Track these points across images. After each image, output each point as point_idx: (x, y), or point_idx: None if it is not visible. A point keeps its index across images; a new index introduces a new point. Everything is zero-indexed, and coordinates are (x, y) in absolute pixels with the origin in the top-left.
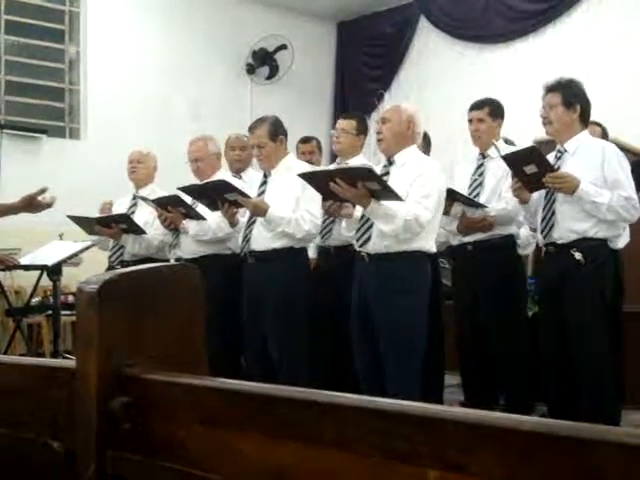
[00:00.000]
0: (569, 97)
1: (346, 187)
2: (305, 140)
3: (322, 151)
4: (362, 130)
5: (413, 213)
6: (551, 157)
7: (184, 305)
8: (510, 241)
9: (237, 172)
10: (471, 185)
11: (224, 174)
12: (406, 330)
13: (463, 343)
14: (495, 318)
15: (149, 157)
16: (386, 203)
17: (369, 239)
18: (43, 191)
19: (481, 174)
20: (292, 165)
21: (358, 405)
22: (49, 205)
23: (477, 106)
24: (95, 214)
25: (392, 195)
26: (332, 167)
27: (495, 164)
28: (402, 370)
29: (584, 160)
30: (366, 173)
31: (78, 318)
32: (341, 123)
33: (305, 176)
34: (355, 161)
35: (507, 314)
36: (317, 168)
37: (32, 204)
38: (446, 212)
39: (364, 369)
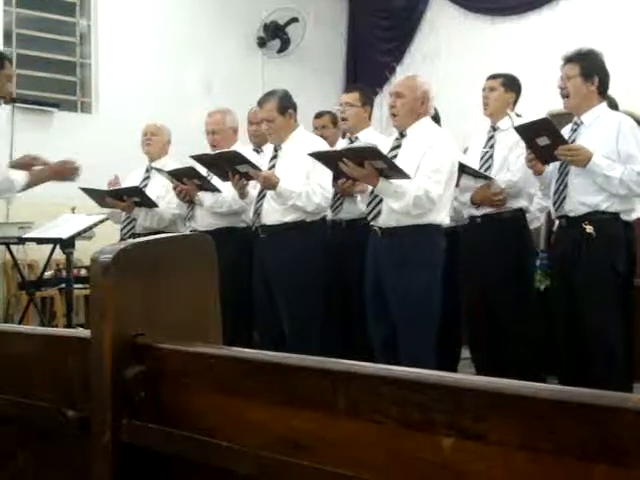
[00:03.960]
0: (587, 68)
1: (353, 167)
2: (318, 115)
3: (337, 125)
4: (366, 101)
5: (423, 188)
6: (567, 129)
7: (198, 275)
8: (519, 215)
9: (258, 146)
10: (482, 157)
11: (239, 148)
12: (419, 303)
13: (472, 317)
14: (503, 292)
15: (163, 130)
16: (395, 180)
17: (379, 213)
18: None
19: (492, 146)
20: (302, 138)
21: (373, 373)
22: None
23: (492, 76)
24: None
25: (399, 173)
26: (340, 146)
27: (505, 136)
28: (415, 343)
29: (599, 133)
30: (372, 152)
31: (92, 288)
32: (344, 97)
33: (316, 155)
34: (364, 134)
35: (515, 288)
36: (325, 145)
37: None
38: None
39: (379, 342)
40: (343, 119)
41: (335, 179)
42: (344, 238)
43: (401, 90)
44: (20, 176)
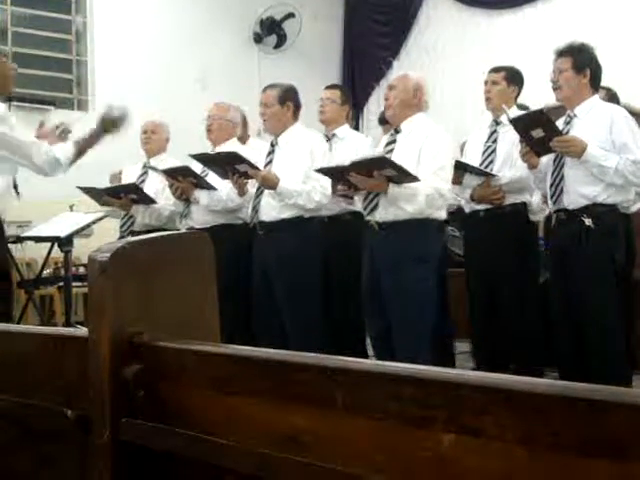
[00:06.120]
0: (579, 62)
1: (363, 179)
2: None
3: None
4: (346, 100)
5: (433, 187)
6: (561, 122)
7: (196, 272)
8: (522, 208)
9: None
10: (484, 152)
11: (235, 144)
12: (416, 298)
13: (475, 310)
14: (507, 285)
15: (162, 127)
16: (405, 184)
17: (376, 206)
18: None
19: (494, 141)
20: (299, 133)
21: (371, 370)
22: None
23: (494, 69)
24: (104, 185)
25: (409, 177)
26: (320, 141)
27: (508, 131)
28: (411, 339)
29: (593, 124)
30: (380, 162)
31: (90, 287)
32: (326, 92)
33: (322, 171)
34: (341, 131)
35: (519, 281)
36: (322, 140)
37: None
38: (458, 182)
39: (375, 337)
40: (322, 112)
41: (334, 183)
42: (326, 234)
43: (394, 83)
44: (64, 150)
